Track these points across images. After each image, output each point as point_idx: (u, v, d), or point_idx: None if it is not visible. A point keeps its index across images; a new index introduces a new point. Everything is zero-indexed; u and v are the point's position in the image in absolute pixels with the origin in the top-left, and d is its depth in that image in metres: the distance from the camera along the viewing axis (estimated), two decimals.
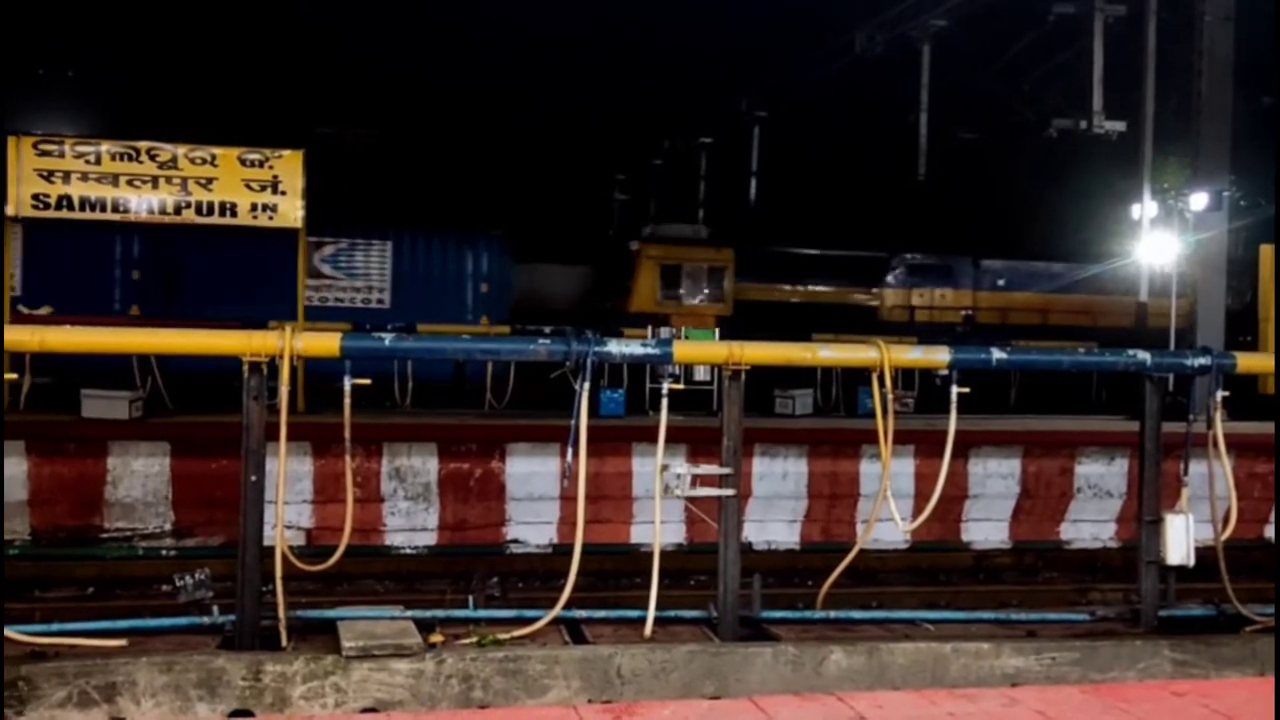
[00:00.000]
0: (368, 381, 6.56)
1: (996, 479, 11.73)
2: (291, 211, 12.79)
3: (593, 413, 6.60)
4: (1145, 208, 17.85)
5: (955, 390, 7.04)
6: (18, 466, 9.94)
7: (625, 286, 19.72)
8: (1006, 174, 25.65)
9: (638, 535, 10.89)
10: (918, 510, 7.38)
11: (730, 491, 6.65)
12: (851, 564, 7.22)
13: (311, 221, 13.48)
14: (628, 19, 21.61)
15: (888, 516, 7.07)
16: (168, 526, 10.41)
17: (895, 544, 10.46)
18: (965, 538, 11.70)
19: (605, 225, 26.58)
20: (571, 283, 20.89)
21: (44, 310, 15.12)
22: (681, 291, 19.58)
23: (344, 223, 17.93)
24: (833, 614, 7.17)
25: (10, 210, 12.18)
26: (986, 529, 11.77)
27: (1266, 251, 17.06)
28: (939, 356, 7.13)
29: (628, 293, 19.60)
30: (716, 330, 16.74)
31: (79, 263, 16.38)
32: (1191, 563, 7.07)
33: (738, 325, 17.54)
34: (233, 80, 22.98)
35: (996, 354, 7.24)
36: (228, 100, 22.00)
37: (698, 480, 6.70)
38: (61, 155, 12.32)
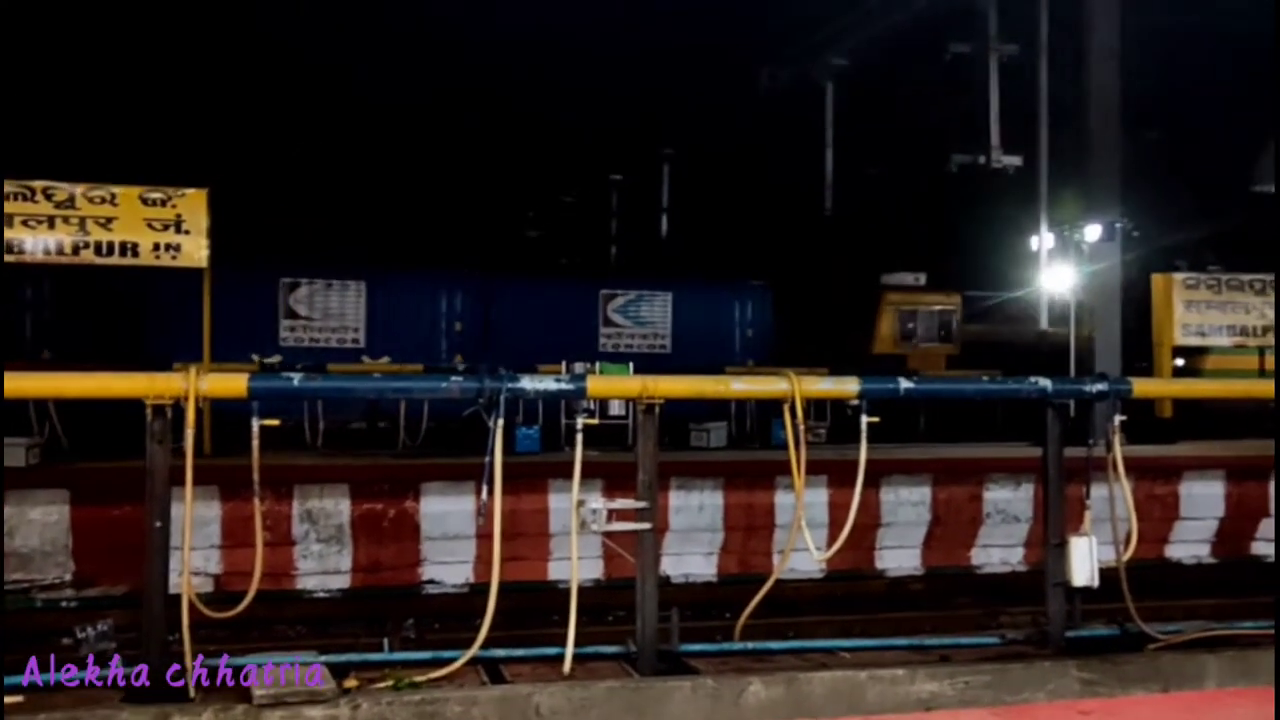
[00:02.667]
0: (276, 422, 6.45)
1: (908, 506, 11.91)
2: (195, 251, 12.53)
3: (508, 450, 6.58)
4: (1043, 239, 18.43)
5: (865, 420, 7.16)
6: None
7: (867, 330, 20.94)
8: (913, 207, 26.27)
9: (555, 572, 10.82)
10: (832, 539, 7.46)
11: (646, 525, 6.67)
12: (769, 594, 7.27)
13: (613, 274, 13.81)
14: (540, 60, 21.74)
15: (803, 546, 7.14)
16: (68, 576, 10.06)
17: (811, 573, 10.56)
18: (879, 565, 11.85)
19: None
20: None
21: (383, 361, 16.00)
22: (917, 335, 20.58)
23: (633, 274, 20.05)
24: (751, 645, 7.21)
25: None
26: (899, 556, 11.93)
27: (1158, 280, 17.70)
28: (848, 387, 7.25)
29: (870, 336, 20.84)
30: (630, 365, 16.79)
31: (413, 317, 17.81)
32: (1096, 584, 7.26)
33: (964, 363, 19.25)
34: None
35: (904, 384, 7.39)
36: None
37: (614, 515, 6.70)
38: None
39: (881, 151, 25.23)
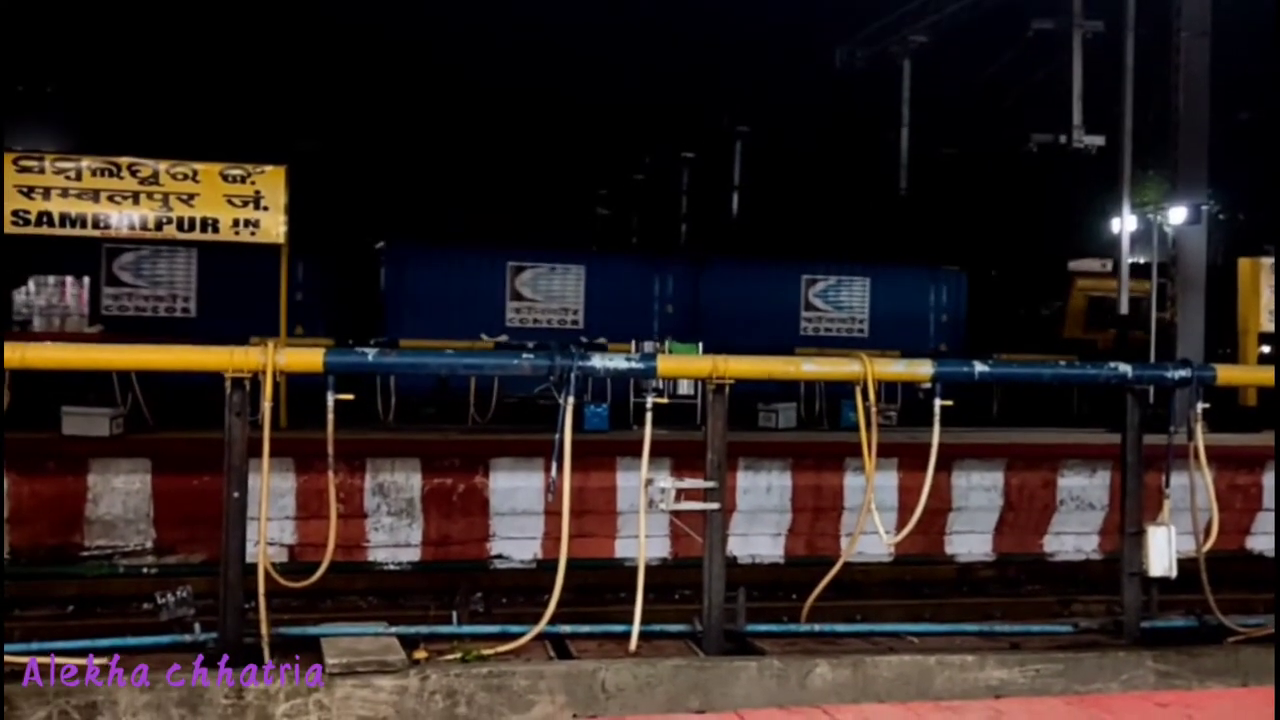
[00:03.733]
0: (350, 396, 6.54)
1: (980, 491, 11.76)
2: (274, 227, 12.75)
3: (577, 427, 6.60)
4: (1125, 221, 17.99)
5: (938, 403, 7.06)
6: None
7: (1058, 315, 21.33)
8: (989, 187, 25.84)
9: (622, 550, 10.87)
10: (901, 523, 7.39)
11: (715, 505, 6.65)
12: (836, 577, 7.22)
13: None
14: (610, 35, 21.71)
15: (872, 529, 7.08)
16: (149, 544, 10.34)
17: (879, 557, 10.47)
18: (949, 550, 11.72)
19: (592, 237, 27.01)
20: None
21: (598, 341, 16.13)
22: (1107, 319, 20.37)
23: (833, 258, 20.19)
24: (817, 627, 7.17)
25: None
26: (970, 541, 11.79)
27: (1245, 264, 17.19)
28: (922, 370, 7.16)
29: (1060, 321, 21.18)
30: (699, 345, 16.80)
31: (628, 299, 18.51)
32: (1174, 574, 7.10)
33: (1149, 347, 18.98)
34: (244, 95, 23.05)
35: (979, 367, 7.27)
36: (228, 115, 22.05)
37: (682, 494, 6.69)
38: (41, 171, 12.26)
39: (959, 131, 24.83)
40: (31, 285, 13.21)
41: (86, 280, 13.71)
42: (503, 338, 16.24)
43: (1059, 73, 19.11)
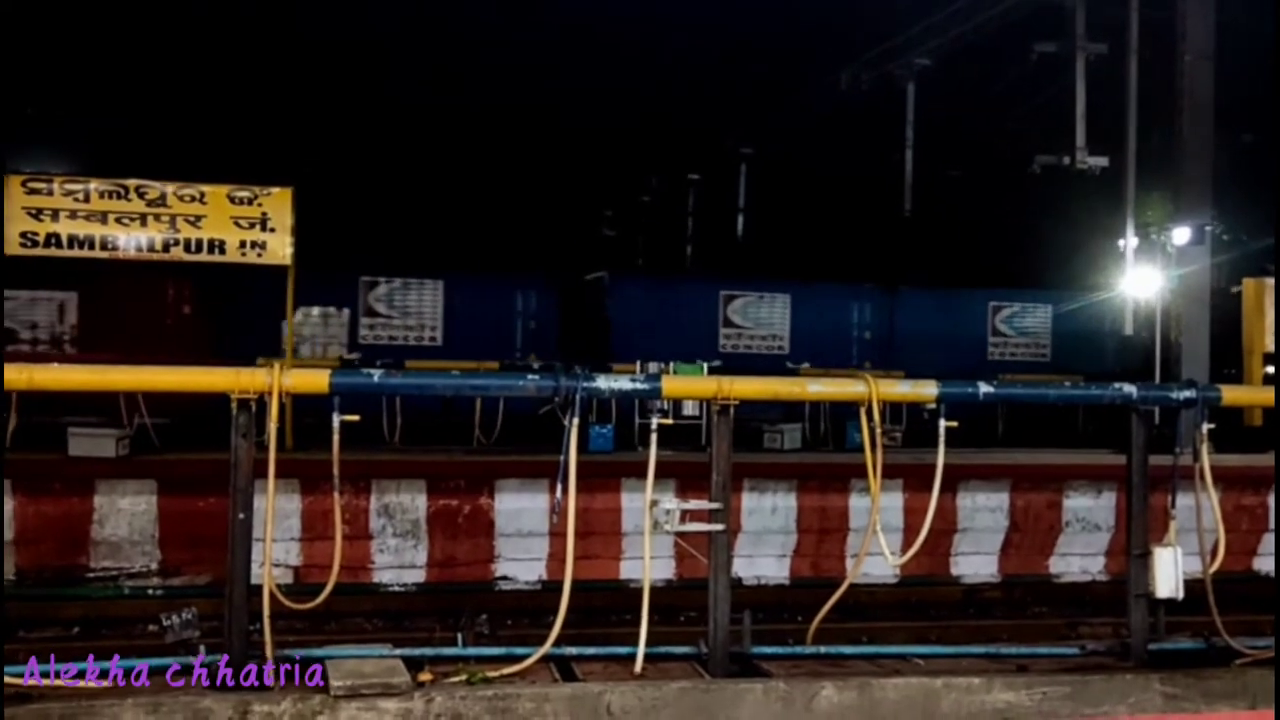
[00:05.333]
0: (356, 417, 6.56)
1: (985, 512, 11.73)
2: (280, 249, 12.78)
3: (582, 448, 6.61)
4: (1129, 242, 18.00)
5: (944, 424, 7.07)
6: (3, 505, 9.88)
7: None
8: (993, 209, 25.87)
9: (627, 571, 10.85)
10: (907, 544, 7.39)
11: (720, 526, 6.65)
12: (841, 599, 7.22)
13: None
14: (613, 59, 21.80)
15: (877, 550, 7.08)
16: (154, 565, 10.33)
17: (884, 578, 10.46)
18: (954, 571, 11.69)
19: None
20: None
21: (803, 366, 16.53)
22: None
23: (1018, 285, 20.90)
24: (823, 649, 7.16)
25: None
26: (975, 563, 11.76)
27: (1249, 285, 17.18)
28: (927, 390, 7.17)
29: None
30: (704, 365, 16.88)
31: (830, 325, 19.06)
32: (1180, 596, 7.08)
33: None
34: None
35: (984, 388, 7.27)
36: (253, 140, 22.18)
37: (687, 515, 6.70)
38: (50, 193, 12.31)
39: (963, 152, 24.87)
40: (299, 316, 14.09)
41: (346, 311, 14.73)
42: (716, 363, 16.70)
43: (1062, 95, 19.16)
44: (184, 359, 12.64)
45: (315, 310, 14.92)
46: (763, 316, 18.93)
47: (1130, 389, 7.18)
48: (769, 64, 21.92)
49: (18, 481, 10.02)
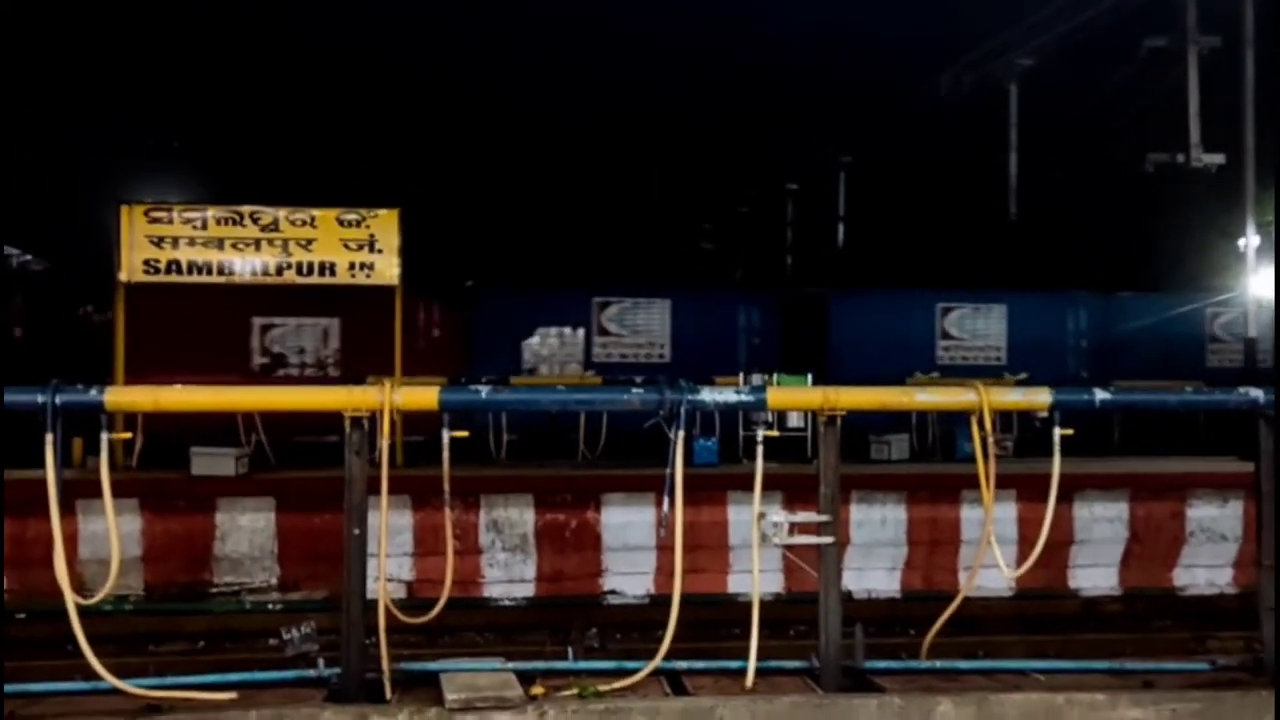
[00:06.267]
0: (466, 434, 6.65)
1: (1103, 523, 11.41)
2: (387, 269, 13.08)
3: (687, 461, 6.60)
4: (1250, 241, 17.33)
5: (1058, 433, 6.88)
6: (132, 523, 10.27)
7: None
8: (1102, 210, 25.18)
9: (735, 585, 10.81)
10: (1022, 556, 7.19)
11: (829, 539, 6.58)
12: (955, 612, 7.07)
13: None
14: (712, 76, 21.79)
15: (992, 563, 6.92)
16: (274, 580, 10.64)
17: (999, 591, 10.23)
18: (1072, 584, 11.39)
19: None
20: None
21: (1021, 376, 16.80)
22: None
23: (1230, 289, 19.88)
24: (938, 664, 7.01)
25: (123, 276, 12.67)
26: (1094, 575, 11.43)
27: None
28: (1040, 398, 6.98)
29: None
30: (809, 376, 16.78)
31: (1043, 335, 19.01)
32: None
33: None
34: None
35: (1100, 395, 7.06)
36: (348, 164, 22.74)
37: (795, 528, 6.63)
38: (170, 221, 12.79)
39: (1071, 153, 24.25)
40: (536, 337, 15.51)
41: (581, 331, 16.00)
42: (934, 374, 17.21)
43: (1173, 92, 18.55)
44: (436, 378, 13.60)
45: (552, 330, 15.89)
46: (980, 328, 18.98)
47: (1257, 393, 6.89)
48: (868, 70, 21.67)
49: (145, 500, 10.42)
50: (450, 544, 6.67)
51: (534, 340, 15.75)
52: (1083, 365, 18.80)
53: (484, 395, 6.85)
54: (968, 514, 11.10)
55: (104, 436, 6.14)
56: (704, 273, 28.09)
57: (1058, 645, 9.21)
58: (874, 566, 11.22)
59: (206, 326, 14.43)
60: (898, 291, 19.32)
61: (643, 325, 18.14)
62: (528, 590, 10.87)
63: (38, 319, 18.20)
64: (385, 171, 22.64)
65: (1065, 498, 11.00)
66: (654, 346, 18.10)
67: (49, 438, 5.89)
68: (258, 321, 15.19)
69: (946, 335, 18.80)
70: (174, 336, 13.96)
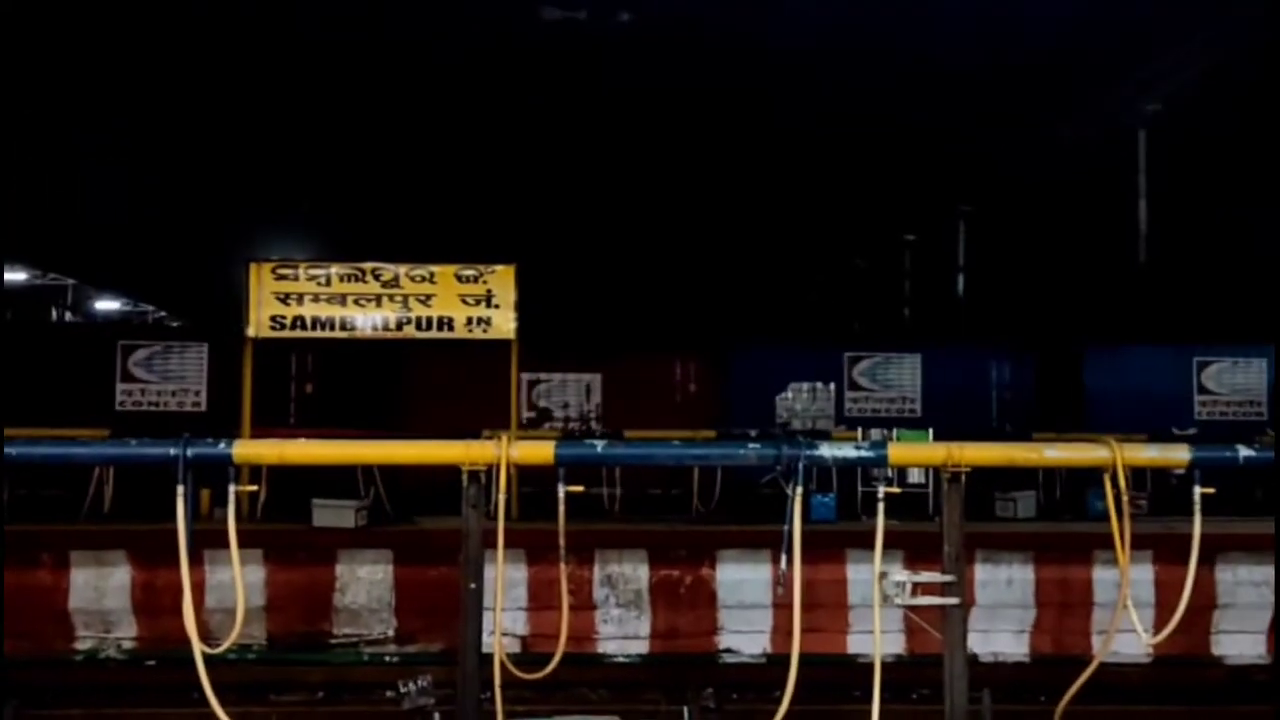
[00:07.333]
0: (581, 488, 6.63)
1: (1249, 586, 10.81)
2: (504, 324, 13.22)
3: (804, 518, 6.45)
4: None
5: (1198, 491, 6.54)
6: (256, 574, 10.50)
7: None
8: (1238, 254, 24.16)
9: (854, 645, 10.51)
10: (1160, 620, 6.84)
11: (955, 600, 6.35)
12: (1088, 679, 6.73)
13: None
14: (815, 133, 21.61)
15: (1128, 627, 6.58)
16: (390, 632, 10.73)
17: (1136, 657, 9.73)
18: (1216, 651, 10.78)
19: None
20: None
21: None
22: None
23: None
24: None
25: (250, 332, 13.07)
26: (1240, 642, 10.81)
27: None
28: (1178, 455, 6.66)
29: None
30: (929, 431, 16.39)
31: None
32: None
33: None
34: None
35: (1244, 451, 6.71)
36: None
37: (919, 588, 6.41)
38: (296, 278, 13.18)
39: (1202, 198, 23.39)
40: (789, 392, 15.94)
41: (833, 386, 16.57)
42: (1191, 430, 16.74)
43: None
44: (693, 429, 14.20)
45: (804, 385, 15.98)
46: (1239, 382, 18.69)
47: None
48: (989, 117, 21.28)
49: (269, 551, 10.64)
50: (565, 599, 6.62)
51: (787, 395, 15.96)
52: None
53: (599, 450, 6.83)
54: (1100, 575, 10.63)
55: (231, 489, 6.29)
56: (956, 327, 27.84)
57: (1201, 717, 8.71)
58: (1000, 628, 10.81)
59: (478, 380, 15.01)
60: (1154, 345, 18.88)
61: (894, 380, 18.39)
62: (642, 647, 10.75)
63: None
64: (504, 225, 22.91)
65: (1207, 559, 10.46)
66: (905, 401, 18.26)
67: (180, 489, 6.05)
68: (525, 377, 15.96)
69: (1204, 389, 18.60)
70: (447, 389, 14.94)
